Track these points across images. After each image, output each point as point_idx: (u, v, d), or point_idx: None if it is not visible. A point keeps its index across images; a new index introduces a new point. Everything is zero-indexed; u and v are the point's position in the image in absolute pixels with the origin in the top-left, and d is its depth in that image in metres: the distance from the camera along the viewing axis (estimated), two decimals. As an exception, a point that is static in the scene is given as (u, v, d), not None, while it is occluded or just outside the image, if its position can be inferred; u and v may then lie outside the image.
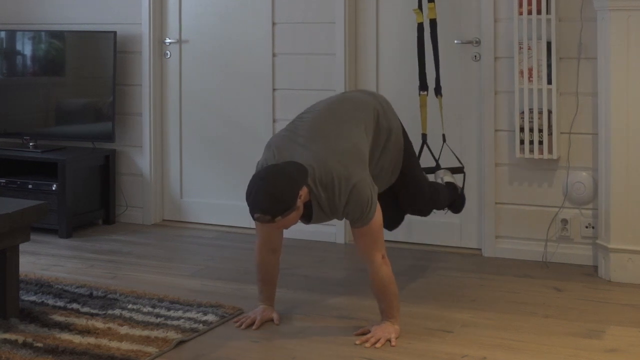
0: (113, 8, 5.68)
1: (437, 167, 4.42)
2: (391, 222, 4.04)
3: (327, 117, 3.63)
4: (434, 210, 4.37)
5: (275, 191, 3.26)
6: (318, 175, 3.37)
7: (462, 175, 4.47)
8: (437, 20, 4.59)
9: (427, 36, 4.57)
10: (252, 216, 3.33)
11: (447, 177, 4.36)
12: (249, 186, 3.35)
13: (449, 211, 4.46)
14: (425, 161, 4.44)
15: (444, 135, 4.56)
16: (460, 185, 4.42)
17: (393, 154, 3.79)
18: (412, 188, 3.97)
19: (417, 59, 4.58)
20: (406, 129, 4.14)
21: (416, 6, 4.62)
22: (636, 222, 4.31)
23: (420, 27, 4.56)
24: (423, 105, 4.52)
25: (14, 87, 5.80)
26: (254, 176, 3.40)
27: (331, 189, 3.37)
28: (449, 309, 3.92)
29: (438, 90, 4.54)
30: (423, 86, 4.51)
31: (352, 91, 4.14)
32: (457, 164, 4.52)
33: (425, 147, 4.46)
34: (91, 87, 5.70)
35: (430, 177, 4.40)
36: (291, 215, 3.31)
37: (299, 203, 3.32)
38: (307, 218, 3.47)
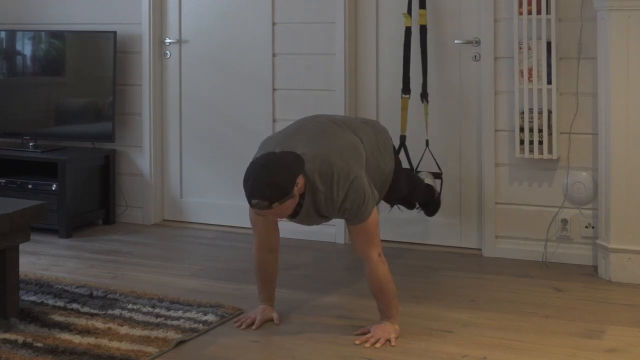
0: (113, 8, 5.68)
1: (411, 170, 4.57)
2: None
3: (328, 124, 3.70)
4: (401, 208, 4.59)
5: (274, 177, 3.26)
6: (318, 167, 3.38)
7: (440, 181, 4.64)
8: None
9: (416, 41, 4.66)
10: (249, 202, 3.32)
11: (428, 180, 4.51)
12: (246, 172, 3.36)
13: (422, 211, 4.61)
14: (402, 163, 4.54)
15: (427, 141, 4.68)
16: (438, 191, 4.56)
17: (378, 190, 3.88)
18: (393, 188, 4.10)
19: (402, 64, 4.69)
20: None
21: (406, 10, 4.67)
22: (636, 222, 4.31)
23: (407, 31, 4.67)
24: (404, 108, 4.71)
25: (14, 87, 5.80)
26: (251, 163, 3.40)
27: (330, 183, 3.38)
28: (449, 309, 3.92)
29: (424, 96, 4.69)
30: (406, 89, 4.66)
31: (353, 117, 4.24)
32: (437, 170, 4.68)
33: (402, 150, 4.59)
34: (91, 87, 5.70)
35: None
36: (288, 202, 3.30)
37: (296, 191, 3.32)
38: (294, 213, 3.47)
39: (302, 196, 3.40)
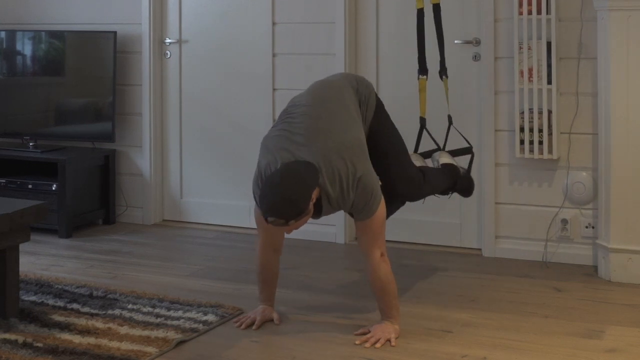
0: (113, 8, 5.68)
1: (439, 149, 4.24)
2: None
3: (318, 110, 3.57)
4: (425, 200, 4.19)
5: (291, 196, 3.24)
6: (325, 173, 3.36)
7: (471, 155, 4.28)
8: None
9: (427, 23, 4.48)
10: (265, 219, 3.31)
11: (444, 159, 4.18)
12: (263, 189, 3.34)
13: (460, 195, 4.27)
14: (427, 146, 4.29)
15: (449, 117, 4.36)
16: (465, 167, 4.24)
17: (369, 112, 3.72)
18: (396, 167, 3.82)
19: (416, 45, 4.45)
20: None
21: None
22: (636, 222, 4.31)
23: (420, 12, 4.42)
24: (422, 90, 4.30)
25: (14, 87, 5.80)
26: (268, 179, 3.35)
27: (339, 186, 3.37)
28: (449, 309, 3.92)
29: (443, 72, 4.35)
30: (422, 70, 4.32)
31: (328, 78, 3.97)
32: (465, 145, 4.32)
33: (425, 132, 4.29)
34: (91, 87, 5.70)
35: (428, 162, 4.25)
36: (303, 218, 3.30)
37: (311, 206, 3.31)
38: (317, 214, 3.45)
39: (318, 200, 3.39)
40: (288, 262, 4.51)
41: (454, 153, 4.27)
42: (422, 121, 4.29)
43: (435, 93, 4.55)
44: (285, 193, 3.25)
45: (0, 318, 3.66)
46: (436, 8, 4.43)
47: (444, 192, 4.17)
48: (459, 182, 4.17)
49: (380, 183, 3.52)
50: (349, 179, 3.38)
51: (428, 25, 4.30)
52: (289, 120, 3.59)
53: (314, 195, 3.32)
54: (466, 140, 4.34)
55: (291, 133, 3.50)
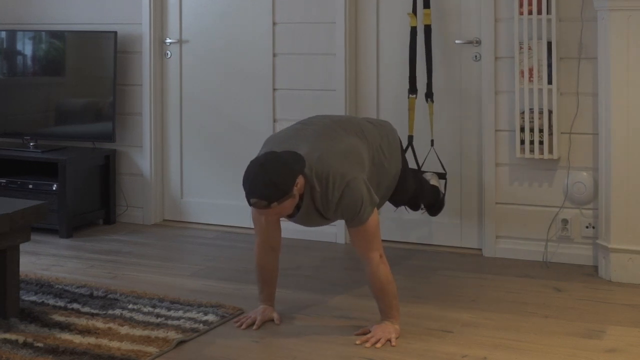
0: (113, 8, 5.68)
1: (419, 170, 4.55)
2: None
3: (337, 128, 3.69)
4: (408, 209, 4.51)
5: (274, 177, 3.27)
6: (315, 167, 3.39)
7: (445, 181, 4.59)
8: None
9: (421, 41, 4.64)
10: (248, 201, 3.34)
11: (433, 181, 4.48)
12: (246, 171, 3.37)
13: (426, 212, 4.57)
14: (409, 162, 4.52)
15: (432, 141, 4.69)
16: (443, 192, 4.54)
17: (384, 192, 3.88)
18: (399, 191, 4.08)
19: (409, 62, 4.67)
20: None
21: (411, 10, 4.67)
22: (636, 222, 4.31)
23: (413, 30, 4.65)
24: (411, 109, 4.69)
25: (14, 87, 5.80)
26: (252, 162, 3.40)
27: (325, 184, 3.39)
28: (449, 309, 3.92)
29: (429, 96, 4.67)
30: (412, 89, 4.66)
31: (361, 118, 4.22)
32: (441, 170, 4.66)
33: (410, 150, 4.59)
34: (91, 87, 5.70)
35: None
36: (287, 202, 3.32)
37: (295, 191, 3.33)
38: (296, 208, 3.46)
39: (302, 196, 3.41)
40: (288, 262, 4.52)
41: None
42: (410, 139, 4.61)
43: (437, 108, 4.70)
44: (267, 174, 3.28)
45: (1, 318, 3.67)
46: (427, 29, 4.58)
47: (417, 207, 4.47)
48: (435, 203, 4.48)
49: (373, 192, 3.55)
50: (337, 180, 3.39)
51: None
52: (306, 122, 3.74)
53: (299, 182, 3.34)
54: (442, 167, 4.64)
55: (297, 133, 3.60)
